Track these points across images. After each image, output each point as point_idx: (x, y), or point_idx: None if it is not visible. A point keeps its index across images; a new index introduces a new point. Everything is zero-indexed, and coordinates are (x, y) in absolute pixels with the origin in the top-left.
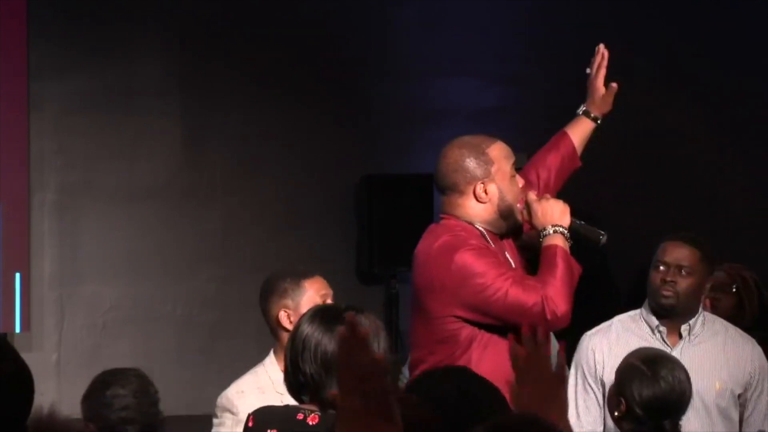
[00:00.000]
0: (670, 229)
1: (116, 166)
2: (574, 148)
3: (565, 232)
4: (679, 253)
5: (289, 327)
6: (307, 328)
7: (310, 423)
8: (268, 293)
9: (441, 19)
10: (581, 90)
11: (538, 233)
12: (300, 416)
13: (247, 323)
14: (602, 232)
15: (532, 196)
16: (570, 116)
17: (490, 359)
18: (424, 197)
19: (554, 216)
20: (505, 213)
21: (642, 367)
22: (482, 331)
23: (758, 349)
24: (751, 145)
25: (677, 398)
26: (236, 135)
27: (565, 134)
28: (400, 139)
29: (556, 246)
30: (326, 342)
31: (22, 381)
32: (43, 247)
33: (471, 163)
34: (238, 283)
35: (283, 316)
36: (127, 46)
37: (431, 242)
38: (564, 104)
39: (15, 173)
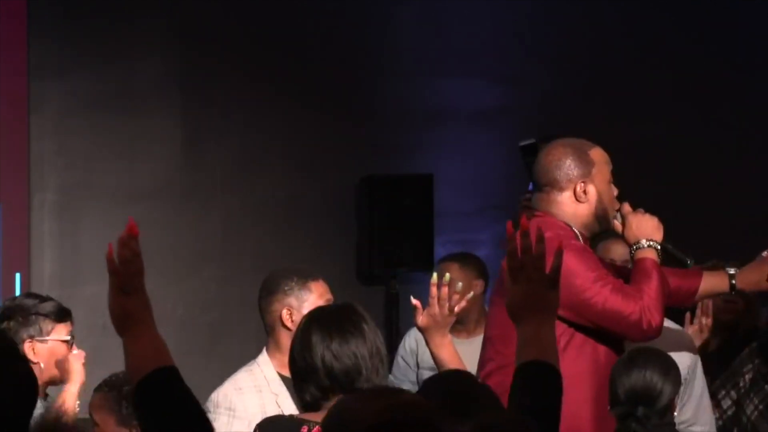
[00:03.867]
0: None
1: (116, 166)
2: (696, 289)
3: (659, 248)
4: None
5: (290, 326)
6: (312, 332)
7: None
8: (272, 290)
9: (441, 19)
10: (581, 90)
11: (631, 245)
12: (304, 429)
13: (247, 323)
14: (690, 258)
15: (628, 207)
16: (570, 116)
17: (585, 360)
18: (424, 197)
19: (648, 231)
20: (601, 216)
21: (625, 357)
22: (578, 332)
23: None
24: (751, 145)
25: (646, 388)
26: (236, 135)
27: (700, 274)
28: (400, 139)
29: (651, 259)
30: (334, 344)
31: (33, 382)
32: (43, 247)
33: (573, 161)
34: (238, 283)
35: (285, 314)
36: (127, 46)
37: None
38: (564, 104)
39: (15, 174)
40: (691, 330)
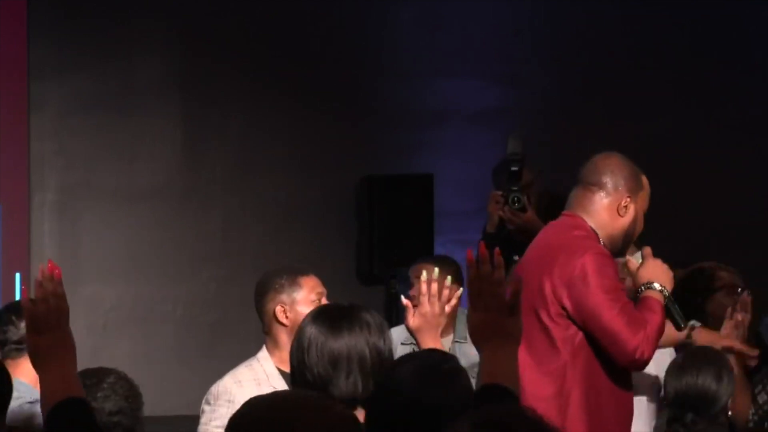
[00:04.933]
0: (666, 230)
1: (116, 166)
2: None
3: (667, 296)
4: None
5: (285, 321)
6: (311, 328)
7: None
8: (264, 290)
9: (441, 19)
10: (581, 90)
11: (642, 284)
12: None
13: (247, 323)
14: (685, 323)
15: (649, 250)
16: (570, 116)
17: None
18: (424, 197)
19: (662, 278)
20: (628, 237)
21: (678, 360)
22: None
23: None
24: (751, 144)
25: (698, 393)
26: (236, 135)
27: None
28: (400, 139)
29: (659, 300)
30: (332, 341)
31: (5, 376)
32: (43, 247)
33: (630, 175)
34: (238, 283)
35: (279, 310)
36: (127, 46)
37: (560, 234)
38: (564, 104)
39: (15, 174)
40: (727, 326)
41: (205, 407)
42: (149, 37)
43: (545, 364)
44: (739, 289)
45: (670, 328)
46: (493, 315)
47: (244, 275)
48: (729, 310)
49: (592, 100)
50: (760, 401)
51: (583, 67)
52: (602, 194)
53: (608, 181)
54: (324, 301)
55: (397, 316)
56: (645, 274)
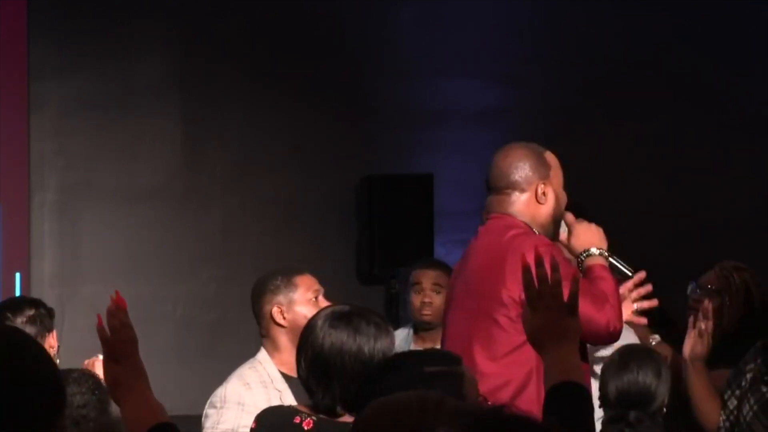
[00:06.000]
0: (666, 230)
1: (116, 166)
2: None
3: (607, 255)
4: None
5: (283, 323)
6: (318, 329)
7: (305, 427)
8: (260, 293)
9: (441, 19)
10: (581, 90)
11: (579, 253)
12: (297, 419)
13: (247, 323)
14: (631, 270)
15: (571, 216)
16: (570, 116)
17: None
18: (424, 197)
19: (594, 240)
20: (557, 218)
21: (616, 358)
22: None
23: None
24: (749, 146)
25: (640, 391)
26: (236, 135)
27: None
28: (400, 139)
29: (603, 265)
30: (338, 342)
31: (58, 382)
32: (43, 247)
33: (533, 164)
34: (238, 283)
35: (276, 312)
36: (127, 46)
37: (499, 236)
38: (564, 104)
39: (15, 174)
40: (691, 335)
41: (210, 411)
42: (149, 37)
43: (509, 366)
44: (689, 289)
45: None
46: (554, 315)
47: (244, 275)
48: (691, 318)
49: (592, 100)
50: (731, 406)
51: (583, 67)
52: (518, 193)
53: (517, 178)
54: (321, 298)
55: (397, 316)
56: (577, 243)
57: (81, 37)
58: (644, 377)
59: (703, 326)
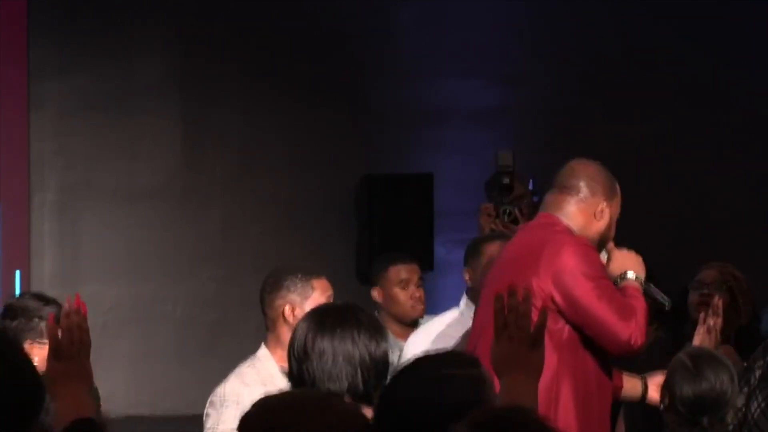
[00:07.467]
0: (665, 229)
1: (116, 166)
2: (620, 387)
3: (643, 282)
4: None
5: (292, 321)
6: (307, 328)
7: None
8: (276, 286)
9: (441, 19)
10: (581, 90)
11: (615, 277)
12: None
13: (247, 323)
14: (667, 300)
15: (611, 244)
16: (570, 116)
17: (578, 358)
18: (424, 197)
19: (632, 266)
20: (602, 241)
21: (688, 363)
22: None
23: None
24: (749, 145)
25: (716, 397)
26: (236, 135)
27: (620, 376)
28: (400, 139)
29: (637, 287)
30: (326, 341)
31: (37, 383)
32: (43, 247)
33: (606, 182)
34: (238, 283)
35: (288, 310)
36: (127, 46)
37: (540, 231)
38: (564, 104)
39: (15, 173)
40: (701, 331)
41: (210, 411)
42: (149, 37)
43: None
44: (705, 291)
45: (629, 385)
46: (516, 347)
47: (244, 275)
48: (702, 315)
49: (592, 100)
50: (739, 404)
51: (583, 67)
52: (579, 198)
53: (585, 185)
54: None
55: None
56: (616, 267)
57: (81, 37)
58: (720, 384)
59: (711, 322)
